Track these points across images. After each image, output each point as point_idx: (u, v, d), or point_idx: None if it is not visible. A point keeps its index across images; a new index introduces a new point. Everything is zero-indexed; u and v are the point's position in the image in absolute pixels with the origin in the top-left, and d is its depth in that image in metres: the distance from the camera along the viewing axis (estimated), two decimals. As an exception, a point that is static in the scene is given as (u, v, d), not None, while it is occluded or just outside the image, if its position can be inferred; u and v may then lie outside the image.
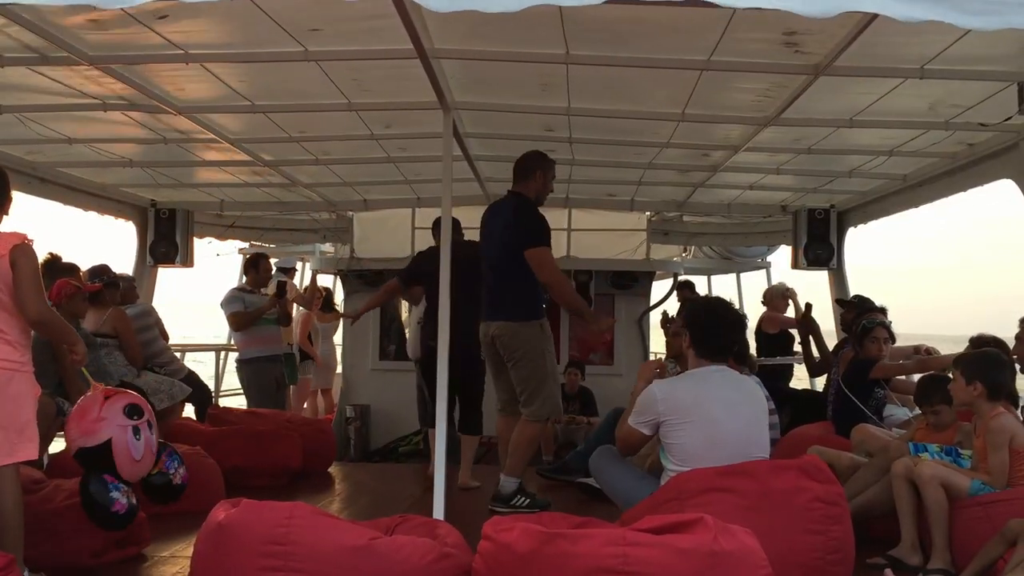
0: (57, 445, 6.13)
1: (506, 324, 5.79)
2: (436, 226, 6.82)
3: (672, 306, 10.60)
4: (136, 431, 4.25)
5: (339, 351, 10.77)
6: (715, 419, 4.17)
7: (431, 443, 6.07)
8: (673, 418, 4.20)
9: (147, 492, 4.59)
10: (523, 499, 5.76)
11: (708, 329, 4.40)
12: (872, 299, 7.57)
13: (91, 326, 6.33)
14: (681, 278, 10.61)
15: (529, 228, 5.72)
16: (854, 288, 8.63)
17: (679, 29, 4.22)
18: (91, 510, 4.23)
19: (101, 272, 6.74)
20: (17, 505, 3.77)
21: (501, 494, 5.78)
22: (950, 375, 5.13)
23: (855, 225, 8.58)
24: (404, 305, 8.81)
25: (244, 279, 9.37)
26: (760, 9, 2.46)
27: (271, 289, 8.82)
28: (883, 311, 7.01)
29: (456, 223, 6.16)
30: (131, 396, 4.40)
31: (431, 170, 7.34)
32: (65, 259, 6.08)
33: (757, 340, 9.43)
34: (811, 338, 7.95)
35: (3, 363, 3.74)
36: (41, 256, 4.49)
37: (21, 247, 3.78)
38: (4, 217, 3.94)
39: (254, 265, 8.57)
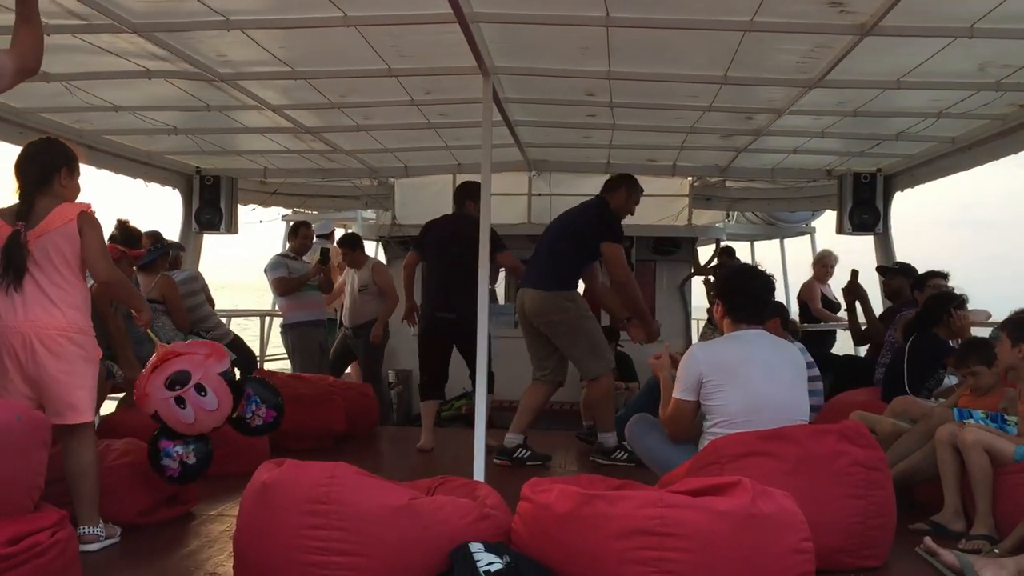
0: (107, 407, 6.31)
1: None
2: (459, 193, 7.08)
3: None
4: (179, 401, 4.33)
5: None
6: (755, 381, 4.17)
7: (423, 416, 6.90)
8: (715, 378, 4.20)
9: (234, 428, 4.69)
10: (622, 453, 6.26)
11: (738, 294, 4.40)
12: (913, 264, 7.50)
13: (141, 291, 6.45)
14: (722, 244, 10.53)
15: (611, 225, 6.32)
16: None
17: (721, -11, 4.17)
18: (153, 469, 4.47)
19: (154, 239, 6.86)
20: (94, 460, 4.06)
21: (604, 447, 6.40)
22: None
23: (902, 189, 8.42)
24: (348, 273, 8.75)
25: (287, 245, 9.50)
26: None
27: (313, 256, 8.92)
28: (945, 276, 6.86)
29: (473, 189, 6.67)
30: (180, 363, 4.42)
31: (471, 135, 7.34)
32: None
33: (800, 306, 9.35)
34: (858, 304, 7.84)
35: (72, 327, 3.96)
36: (109, 224, 4.64)
37: (86, 215, 4.00)
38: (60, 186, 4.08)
39: (294, 232, 8.77)
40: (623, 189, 6.50)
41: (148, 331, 4.60)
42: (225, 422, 4.52)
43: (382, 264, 9.20)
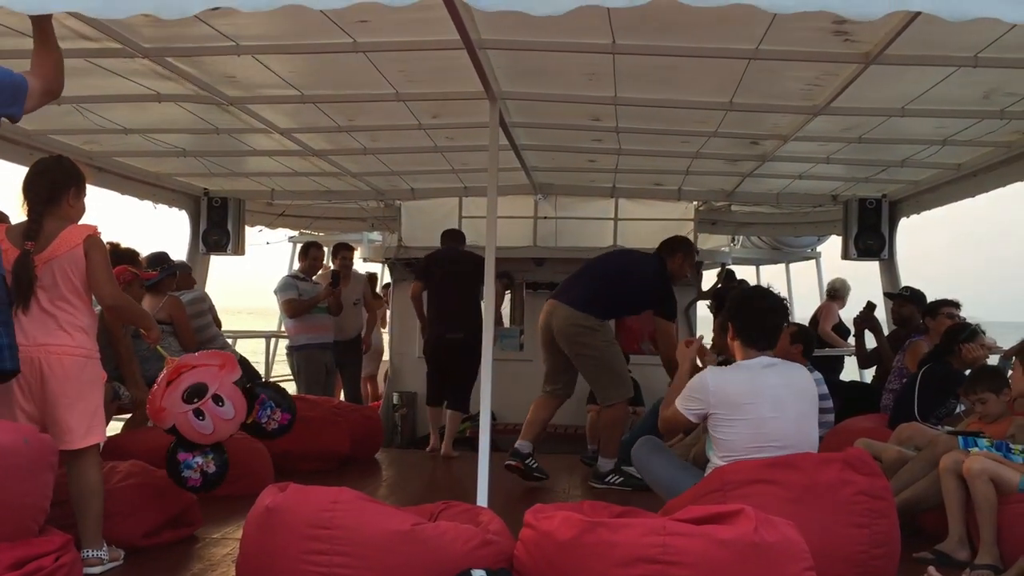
0: (112, 428, 6.31)
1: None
2: (444, 237, 8.13)
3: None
4: (198, 413, 4.41)
5: (385, 339, 10.88)
6: (765, 418, 4.13)
7: (430, 420, 7.80)
8: (722, 412, 4.17)
9: (249, 434, 4.82)
10: (616, 477, 6.37)
11: (750, 318, 4.34)
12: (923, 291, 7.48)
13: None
14: (726, 268, 10.53)
15: (667, 299, 6.61)
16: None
17: (726, 18, 4.16)
18: (174, 481, 4.54)
19: (160, 260, 6.89)
20: (99, 483, 4.06)
21: (599, 471, 6.49)
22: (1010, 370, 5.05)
23: (908, 215, 8.43)
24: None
25: (296, 266, 9.55)
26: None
27: (322, 277, 8.94)
28: (956, 305, 6.84)
29: (461, 235, 8.14)
30: (196, 375, 4.48)
31: (478, 159, 7.38)
32: (124, 246, 6.25)
33: (811, 323, 9.34)
34: (870, 334, 7.82)
35: (80, 350, 3.97)
36: None
37: (92, 238, 4.01)
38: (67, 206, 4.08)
39: (304, 252, 8.79)
40: (680, 255, 6.72)
41: (158, 347, 4.63)
42: (239, 428, 4.63)
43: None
